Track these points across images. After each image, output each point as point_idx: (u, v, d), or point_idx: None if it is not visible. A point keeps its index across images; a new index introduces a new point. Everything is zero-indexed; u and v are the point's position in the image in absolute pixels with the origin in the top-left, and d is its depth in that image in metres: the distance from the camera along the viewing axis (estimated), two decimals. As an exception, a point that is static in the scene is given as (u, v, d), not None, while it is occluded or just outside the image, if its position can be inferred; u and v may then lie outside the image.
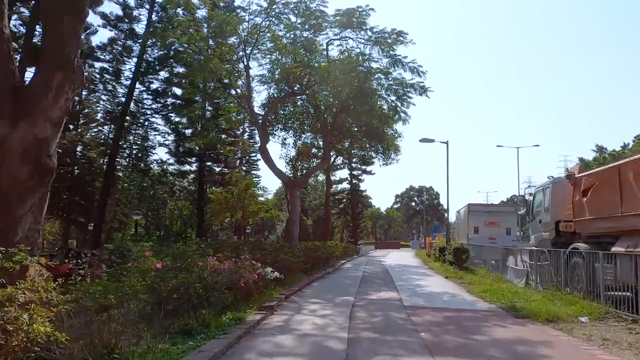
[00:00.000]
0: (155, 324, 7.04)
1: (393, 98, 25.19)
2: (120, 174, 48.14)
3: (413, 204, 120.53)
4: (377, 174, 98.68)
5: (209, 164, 39.04)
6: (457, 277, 18.88)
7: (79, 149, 45.05)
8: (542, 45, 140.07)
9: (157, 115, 34.06)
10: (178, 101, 32.62)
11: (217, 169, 39.75)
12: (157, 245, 18.09)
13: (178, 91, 32.41)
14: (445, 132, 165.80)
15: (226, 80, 26.37)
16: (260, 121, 25.64)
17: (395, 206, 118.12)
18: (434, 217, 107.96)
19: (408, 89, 24.28)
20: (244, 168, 66.16)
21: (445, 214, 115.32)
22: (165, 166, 38.95)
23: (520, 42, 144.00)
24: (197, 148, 33.90)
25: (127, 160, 42.50)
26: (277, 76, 28.17)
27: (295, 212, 24.05)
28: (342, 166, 58.24)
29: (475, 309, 11.06)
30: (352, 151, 48.77)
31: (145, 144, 35.79)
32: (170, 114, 33.52)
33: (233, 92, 26.57)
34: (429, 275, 20.70)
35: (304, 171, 34.25)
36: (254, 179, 64.52)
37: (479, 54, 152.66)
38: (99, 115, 37.82)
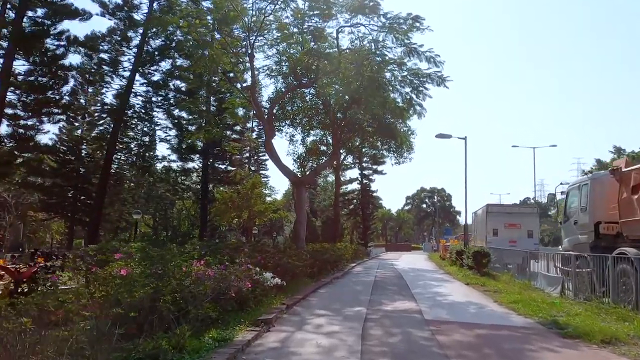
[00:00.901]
0: (112, 347, 5.45)
1: (407, 90, 23.51)
2: (127, 173, 47.08)
3: (424, 205, 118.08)
4: (388, 174, 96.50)
5: (213, 161, 37.23)
6: (478, 283, 17.11)
7: (84, 146, 44.02)
8: (552, 28, 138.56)
9: (158, 109, 32.58)
10: (181, 96, 31.03)
11: (222, 167, 38.00)
12: (152, 246, 16.61)
13: (180, 84, 30.96)
14: (454, 123, 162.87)
15: (231, 74, 24.90)
16: (265, 115, 24.08)
17: (406, 208, 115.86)
18: (446, 220, 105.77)
19: (424, 80, 22.57)
20: (252, 168, 64.79)
21: (458, 216, 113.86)
22: (167, 163, 37.47)
23: (529, 25, 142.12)
24: (200, 144, 32.42)
25: (133, 158, 41.25)
26: (284, 68, 26.68)
27: (301, 211, 22.41)
28: (352, 165, 56.56)
29: (511, 324, 9.34)
30: (363, 149, 47.12)
31: (146, 139, 34.29)
32: (173, 108, 31.97)
33: (238, 85, 25.08)
34: (447, 281, 18.94)
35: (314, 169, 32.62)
36: (262, 179, 63.12)
37: (489, 37, 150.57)
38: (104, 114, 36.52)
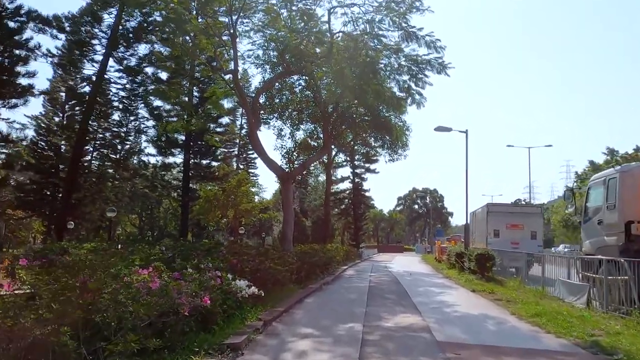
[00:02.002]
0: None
1: (405, 78, 21.60)
2: (111, 171, 44.88)
3: (416, 206, 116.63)
4: (380, 174, 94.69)
5: (198, 156, 34.63)
6: (485, 290, 15.23)
7: (63, 142, 41.65)
8: (555, 18, 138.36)
9: (135, 98, 30.10)
10: (161, 86, 28.65)
11: (205, 162, 35.42)
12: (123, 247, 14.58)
13: (160, 73, 28.60)
14: (449, 117, 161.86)
15: (214, 63, 22.85)
16: (250, 105, 22.00)
17: (398, 208, 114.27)
18: (437, 221, 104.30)
19: (424, 66, 20.68)
20: (241, 166, 62.64)
21: (450, 217, 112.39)
22: (145, 157, 35.04)
23: (533, 14, 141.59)
24: (182, 138, 30.27)
25: (116, 153, 38.90)
26: (271, 56, 24.75)
27: (289, 209, 20.39)
28: (344, 164, 54.60)
29: (545, 348, 7.41)
30: (355, 147, 45.28)
31: (121, 130, 31.80)
32: (150, 97, 29.53)
33: (225, 76, 23.01)
34: (449, 288, 17.02)
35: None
36: (251, 177, 60.96)
37: (492, 25, 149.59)
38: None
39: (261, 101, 27.52)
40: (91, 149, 44.33)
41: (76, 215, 44.32)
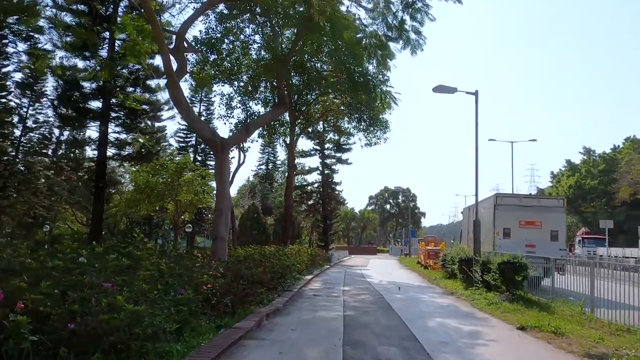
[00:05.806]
0: None
1: (397, 8, 15.12)
2: (48, 160, 38.00)
3: (388, 206, 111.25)
4: (351, 169, 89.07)
5: (129, 131, 26.36)
6: (543, 328, 8.81)
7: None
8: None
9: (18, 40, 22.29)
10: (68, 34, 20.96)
11: (131, 138, 27.01)
12: None
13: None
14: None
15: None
16: (173, 44, 15.03)
17: (370, 208, 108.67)
18: (410, 221, 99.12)
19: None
20: (199, 158, 55.53)
21: (422, 218, 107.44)
22: (43, 127, 27.20)
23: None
24: (99, 105, 23.03)
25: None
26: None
27: (223, 194, 13.52)
28: (312, 152, 47.88)
29: None
30: (325, 132, 38.86)
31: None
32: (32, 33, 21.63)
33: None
34: (472, 317, 10.55)
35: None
36: (209, 170, 53.49)
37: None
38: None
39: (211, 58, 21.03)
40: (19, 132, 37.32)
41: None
